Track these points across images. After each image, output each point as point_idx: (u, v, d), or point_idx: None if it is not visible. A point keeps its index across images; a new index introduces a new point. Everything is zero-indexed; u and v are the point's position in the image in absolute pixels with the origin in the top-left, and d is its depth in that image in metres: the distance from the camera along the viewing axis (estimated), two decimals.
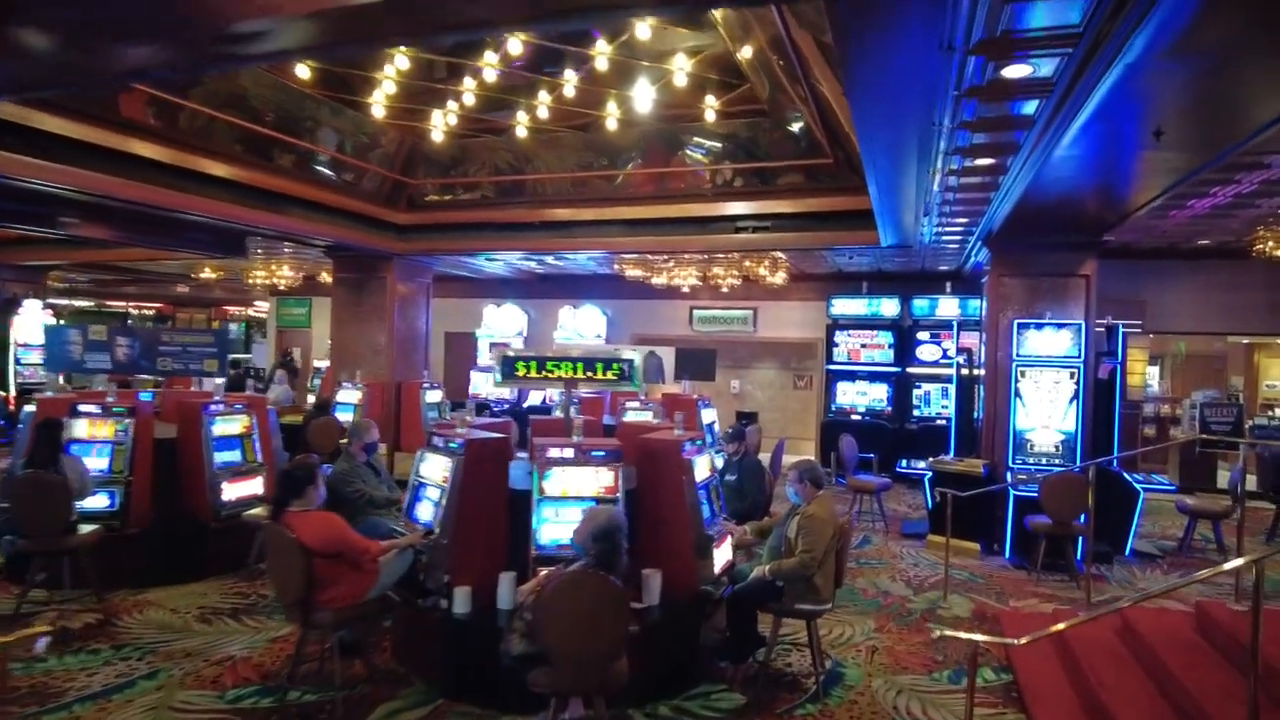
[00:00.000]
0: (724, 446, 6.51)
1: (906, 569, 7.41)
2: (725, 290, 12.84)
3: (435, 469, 4.80)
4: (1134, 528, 7.92)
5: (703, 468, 5.08)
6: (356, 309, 11.39)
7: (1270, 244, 10.01)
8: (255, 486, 6.94)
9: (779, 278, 12.25)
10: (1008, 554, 7.77)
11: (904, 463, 9.42)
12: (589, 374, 5.18)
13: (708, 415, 8.43)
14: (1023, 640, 3.26)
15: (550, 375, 5.19)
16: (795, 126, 7.57)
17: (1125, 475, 7.89)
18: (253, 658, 5.01)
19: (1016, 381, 7.91)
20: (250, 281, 16.10)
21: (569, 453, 4.56)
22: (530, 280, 15.63)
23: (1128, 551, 7.90)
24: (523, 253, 10.12)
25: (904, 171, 6.01)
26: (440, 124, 7.13)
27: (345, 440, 6.12)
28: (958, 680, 4.89)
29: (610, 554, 3.58)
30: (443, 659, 4.54)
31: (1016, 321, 7.90)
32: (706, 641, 4.85)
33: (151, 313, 24.74)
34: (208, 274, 15.72)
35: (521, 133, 7.39)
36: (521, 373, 5.22)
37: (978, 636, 3.30)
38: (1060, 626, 3.61)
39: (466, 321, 16.01)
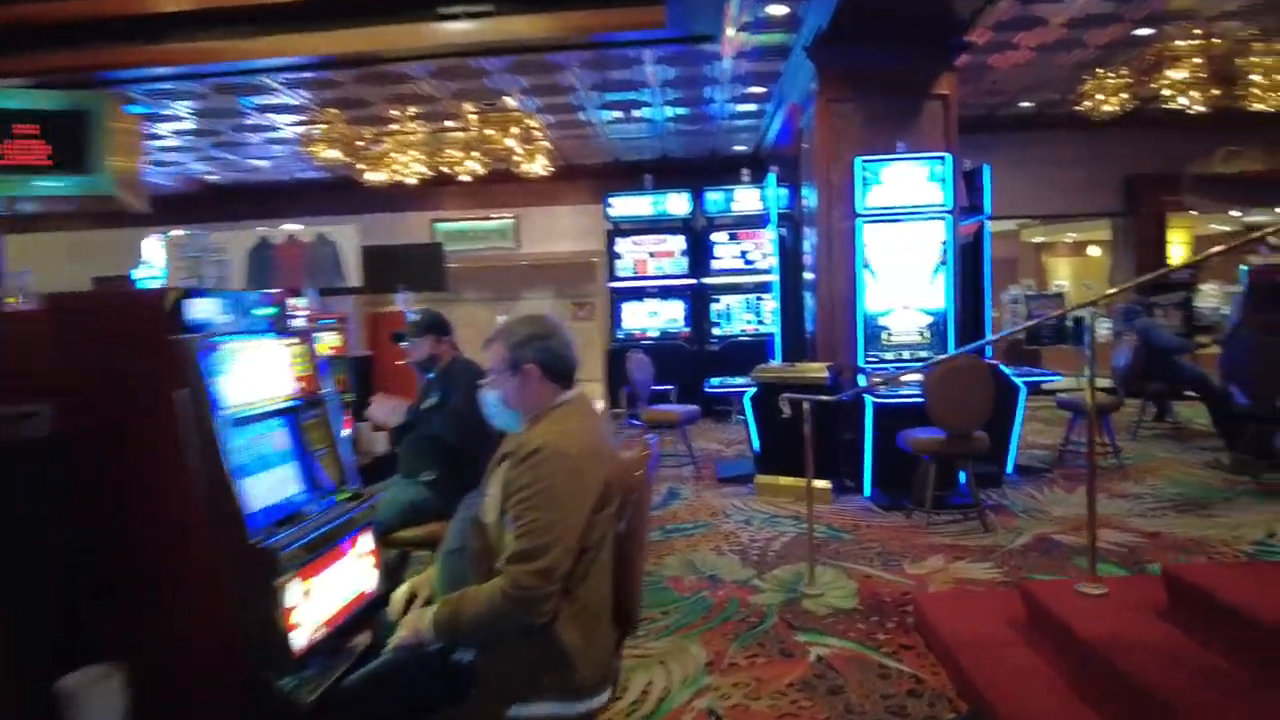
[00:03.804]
0: (410, 353, 3.40)
1: (736, 530, 4.81)
2: (468, 180, 9.58)
3: None
4: (1015, 435, 5.90)
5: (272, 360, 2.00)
6: None
7: (1099, 97, 8.61)
8: None
9: (539, 164, 9.22)
10: (867, 490, 5.44)
11: (715, 381, 6.86)
12: None
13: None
14: None
15: None
16: None
17: (1004, 369, 5.79)
18: None
19: (864, 247, 5.54)
20: None
21: None
22: (206, 196, 11.46)
23: (1009, 468, 5.88)
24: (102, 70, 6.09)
25: None
26: None
27: None
28: None
29: None
30: None
31: (862, 160, 5.48)
32: None
33: None
34: None
35: None
36: None
37: None
38: None
39: (120, 261, 11.42)
